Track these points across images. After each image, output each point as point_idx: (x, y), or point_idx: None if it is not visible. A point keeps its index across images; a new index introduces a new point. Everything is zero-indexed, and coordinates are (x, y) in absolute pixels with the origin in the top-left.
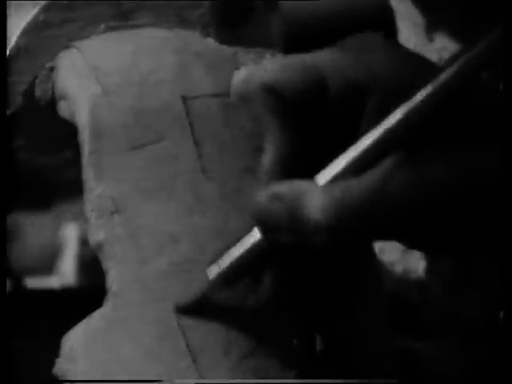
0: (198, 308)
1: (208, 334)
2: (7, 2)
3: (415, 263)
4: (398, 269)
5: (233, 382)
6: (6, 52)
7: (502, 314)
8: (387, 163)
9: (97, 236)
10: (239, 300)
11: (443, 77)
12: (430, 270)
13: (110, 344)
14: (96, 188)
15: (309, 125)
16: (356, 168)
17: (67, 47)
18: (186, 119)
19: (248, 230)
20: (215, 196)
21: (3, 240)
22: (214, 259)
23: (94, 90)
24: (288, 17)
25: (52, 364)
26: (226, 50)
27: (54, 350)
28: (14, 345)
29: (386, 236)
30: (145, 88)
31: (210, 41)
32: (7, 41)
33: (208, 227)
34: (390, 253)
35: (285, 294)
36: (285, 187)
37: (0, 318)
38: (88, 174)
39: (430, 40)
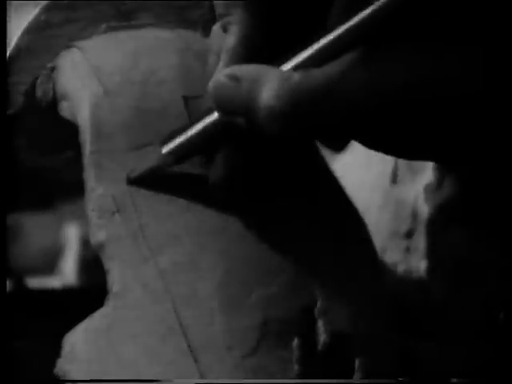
0: (149, 180)
1: (209, 333)
2: (8, 2)
3: (417, 263)
4: (400, 269)
5: (234, 382)
6: (6, 52)
7: (501, 314)
8: (347, 58)
9: (98, 236)
10: (191, 176)
11: None
12: (431, 270)
13: (111, 344)
14: (97, 188)
15: (276, 12)
16: (317, 60)
17: (68, 47)
18: (187, 119)
19: (205, 112)
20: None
21: (4, 240)
22: (169, 137)
23: (95, 89)
24: None
25: (53, 364)
26: None
27: (54, 350)
28: (14, 345)
29: (336, 130)
30: (146, 88)
31: None
32: (8, 41)
33: (209, 227)
34: (391, 253)
35: (234, 174)
36: (244, 69)
37: (0, 318)
38: (89, 174)
39: None
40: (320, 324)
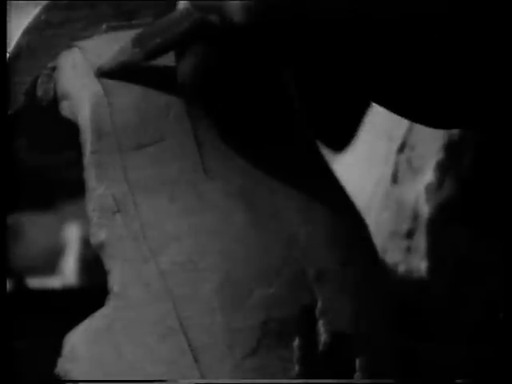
0: (120, 73)
1: (209, 334)
2: (8, 2)
3: (417, 263)
4: (401, 269)
5: (234, 382)
6: (6, 52)
7: (501, 314)
8: None
9: (99, 236)
10: (161, 69)
11: None
12: (431, 270)
13: (111, 344)
14: (98, 188)
15: None
16: None
17: (69, 47)
18: (187, 119)
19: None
20: (217, 196)
21: (4, 240)
22: (144, 33)
23: (95, 89)
24: None
25: (53, 364)
26: None
27: (55, 350)
28: (14, 345)
29: (302, 31)
30: (146, 88)
31: None
32: (8, 41)
33: (210, 227)
34: (392, 253)
35: (203, 71)
36: None
37: (0, 318)
38: (90, 174)
39: None
40: (320, 324)
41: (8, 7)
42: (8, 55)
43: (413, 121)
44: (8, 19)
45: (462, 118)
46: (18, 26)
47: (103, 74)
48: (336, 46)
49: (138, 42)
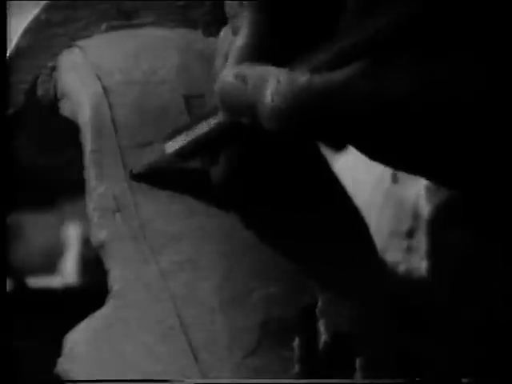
0: (151, 176)
1: (210, 333)
2: (9, 1)
3: (418, 263)
4: (401, 269)
5: (234, 382)
6: (6, 52)
7: (502, 314)
8: (353, 66)
9: (99, 235)
10: (193, 174)
11: None
12: (432, 269)
13: (111, 343)
14: (98, 187)
15: (286, 11)
16: (324, 66)
17: (69, 46)
18: (187, 118)
19: (210, 111)
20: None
21: (4, 239)
22: (174, 133)
23: (95, 89)
24: None
25: (53, 364)
26: None
27: (55, 350)
28: (14, 344)
29: (335, 135)
30: (147, 87)
31: (213, 40)
32: (9, 40)
33: (210, 227)
34: (392, 253)
35: (236, 173)
36: (251, 69)
37: (0, 318)
38: (90, 173)
39: None
40: (320, 324)
41: (8, 7)
42: (8, 55)
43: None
44: (9, 18)
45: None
46: (18, 26)
47: (134, 177)
48: (367, 135)
49: (169, 142)
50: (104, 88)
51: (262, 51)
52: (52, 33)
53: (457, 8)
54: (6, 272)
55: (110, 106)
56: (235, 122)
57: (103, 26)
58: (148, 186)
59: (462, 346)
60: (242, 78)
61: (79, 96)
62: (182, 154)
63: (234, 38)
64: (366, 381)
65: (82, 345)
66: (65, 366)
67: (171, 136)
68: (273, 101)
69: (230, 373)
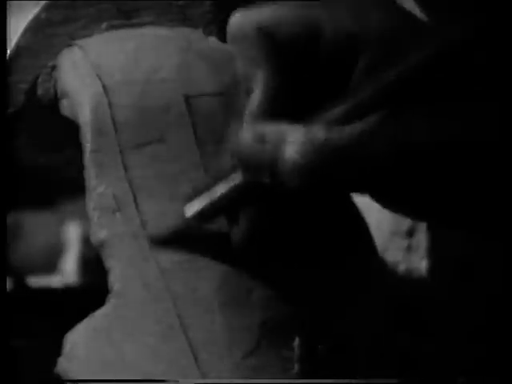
0: (172, 241)
1: (209, 333)
2: (9, 1)
3: (418, 262)
4: (401, 268)
5: (235, 382)
6: (6, 51)
7: (502, 314)
8: (372, 118)
9: (99, 234)
10: (215, 236)
11: (437, 41)
12: (432, 269)
13: (111, 343)
14: (98, 186)
15: (299, 69)
16: (341, 120)
17: (69, 46)
18: (188, 118)
19: (227, 172)
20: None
21: (3, 239)
22: (192, 196)
23: (95, 88)
24: None
25: (53, 363)
26: (229, 48)
27: (55, 349)
28: (15, 344)
29: (356, 187)
30: (147, 86)
31: (213, 39)
32: (9, 40)
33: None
34: (393, 252)
35: (256, 236)
36: (269, 127)
37: (0, 318)
38: (90, 173)
39: None
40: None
41: (8, 7)
42: (8, 54)
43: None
44: (8, 19)
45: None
46: (18, 26)
47: (156, 242)
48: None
49: (188, 205)
50: (104, 87)
51: (277, 109)
52: (52, 32)
53: (468, 59)
54: (6, 272)
55: (110, 106)
56: (254, 182)
57: (103, 26)
58: (148, 185)
59: (462, 345)
60: (260, 138)
61: (79, 95)
62: (201, 216)
63: (249, 98)
64: (366, 381)
65: (82, 344)
66: (65, 365)
67: (190, 198)
68: (293, 158)
69: (230, 372)
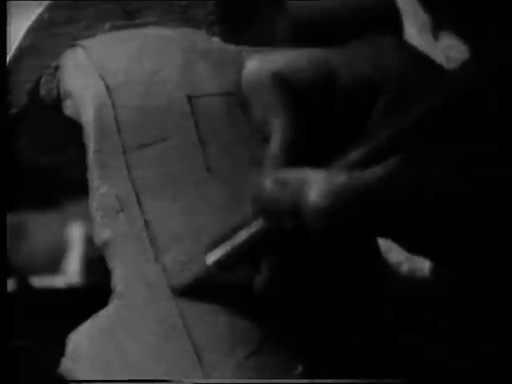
0: (194, 290)
1: (212, 333)
2: (12, 1)
3: (421, 263)
4: (404, 269)
5: (240, 382)
6: (6, 52)
7: (505, 314)
8: (391, 161)
9: (102, 235)
10: (237, 285)
11: (455, 83)
12: (434, 269)
13: (114, 343)
14: (101, 187)
15: (316, 113)
16: (360, 163)
17: (72, 46)
18: (191, 118)
19: (248, 219)
20: (220, 195)
21: (3, 238)
22: (213, 244)
23: (98, 88)
24: (294, 15)
25: (56, 363)
26: (232, 48)
27: (58, 349)
28: (18, 344)
29: (379, 231)
30: (150, 87)
31: (216, 40)
32: (12, 41)
33: (213, 226)
34: (395, 253)
35: (279, 283)
36: (290, 172)
37: (1, 318)
38: (93, 173)
39: (436, 39)
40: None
41: (9, 7)
42: (11, 55)
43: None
44: (10, 19)
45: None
46: (17, 26)
47: (178, 292)
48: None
49: (210, 254)
50: (107, 88)
51: (296, 155)
52: (55, 32)
53: (482, 103)
54: (7, 272)
55: (113, 106)
56: (276, 228)
57: (106, 26)
58: (151, 185)
59: (464, 345)
60: (282, 182)
61: (82, 96)
62: (222, 264)
63: (266, 145)
64: (366, 381)
65: (85, 344)
66: (68, 365)
67: (211, 247)
68: (316, 201)
69: (233, 372)
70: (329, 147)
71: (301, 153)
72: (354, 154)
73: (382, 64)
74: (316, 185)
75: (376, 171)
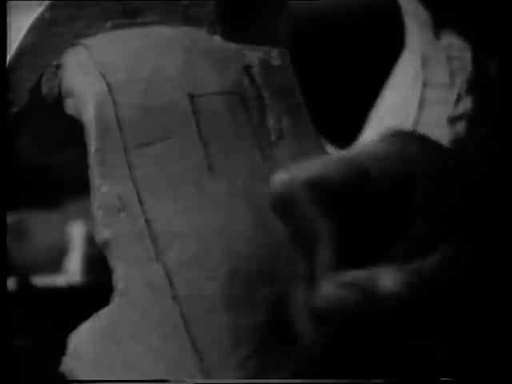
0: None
1: (214, 332)
2: (12, 1)
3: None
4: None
5: (241, 382)
6: (6, 52)
7: (504, 314)
8: (442, 253)
9: (103, 234)
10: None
11: None
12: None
13: (115, 342)
14: (102, 186)
15: (355, 215)
16: (416, 253)
17: (74, 45)
18: (192, 117)
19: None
20: (222, 194)
21: (3, 238)
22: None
23: (100, 87)
24: (296, 14)
25: (57, 363)
26: (233, 47)
27: (59, 349)
28: (19, 343)
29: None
30: (151, 85)
31: (217, 38)
32: (12, 40)
33: (214, 225)
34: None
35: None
36: (354, 274)
37: (1, 318)
38: (94, 172)
39: (437, 37)
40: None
41: (10, 6)
42: (12, 53)
43: None
44: (10, 18)
45: None
46: (17, 26)
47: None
48: None
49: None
50: (108, 86)
51: (346, 259)
52: (56, 31)
53: None
54: (7, 271)
55: (115, 105)
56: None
57: (108, 25)
58: (153, 184)
59: (465, 346)
60: (346, 285)
61: (84, 94)
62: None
63: (305, 258)
64: (366, 381)
65: (86, 344)
66: (69, 364)
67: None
68: (389, 287)
69: (234, 372)
70: (373, 245)
71: (349, 255)
72: (404, 245)
73: (411, 158)
74: (388, 276)
75: (438, 259)
